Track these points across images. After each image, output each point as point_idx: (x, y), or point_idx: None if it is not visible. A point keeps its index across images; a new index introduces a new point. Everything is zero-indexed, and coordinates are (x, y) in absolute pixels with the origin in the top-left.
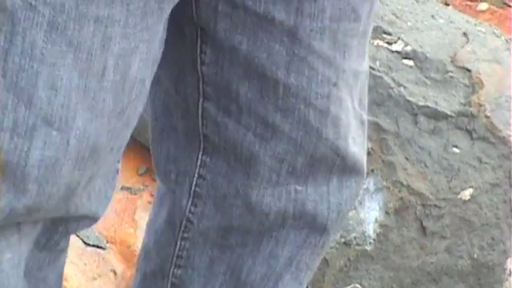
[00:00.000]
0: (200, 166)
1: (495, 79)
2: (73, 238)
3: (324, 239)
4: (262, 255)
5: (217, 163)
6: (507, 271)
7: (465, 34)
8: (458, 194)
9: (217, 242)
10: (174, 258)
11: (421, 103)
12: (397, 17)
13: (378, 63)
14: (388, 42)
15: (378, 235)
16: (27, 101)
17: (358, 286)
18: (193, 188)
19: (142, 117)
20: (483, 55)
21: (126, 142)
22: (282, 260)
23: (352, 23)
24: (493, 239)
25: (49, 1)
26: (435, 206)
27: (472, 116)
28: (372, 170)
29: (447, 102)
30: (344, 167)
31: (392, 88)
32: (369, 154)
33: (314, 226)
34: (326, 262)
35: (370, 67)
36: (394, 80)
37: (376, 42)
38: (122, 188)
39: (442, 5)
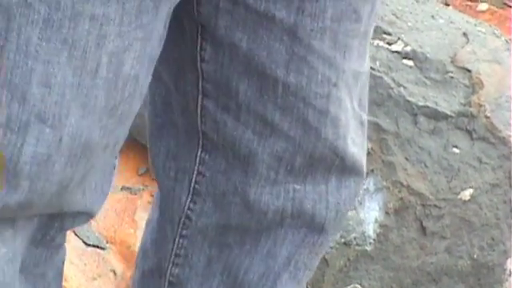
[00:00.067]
0: (199, 163)
1: (495, 79)
2: (73, 238)
3: (322, 239)
4: (260, 254)
5: (216, 160)
6: (507, 271)
7: (465, 35)
8: (458, 194)
9: (215, 240)
10: (172, 257)
11: (421, 103)
12: (397, 17)
13: (377, 63)
14: (388, 42)
15: (377, 235)
16: (21, 97)
17: (357, 286)
18: (192, 185)
19: (142, 117)
20: (483, 55)
21: (122, 140)
22: (280, 259)
23: (353, 24)
24: (493, 239)
25: None
26: (435, 206)
27: (472, 116)
28: (372, 170)
29: (447, 102)
30: (343, 167)
31: (392, 88)
32: (369, 154)
33: (312, 225)
34: (325, 262)
35: (370, 67)
36: (393, 80)
37: (376, 42)
38: (122, 188)
39: (442, 5)
